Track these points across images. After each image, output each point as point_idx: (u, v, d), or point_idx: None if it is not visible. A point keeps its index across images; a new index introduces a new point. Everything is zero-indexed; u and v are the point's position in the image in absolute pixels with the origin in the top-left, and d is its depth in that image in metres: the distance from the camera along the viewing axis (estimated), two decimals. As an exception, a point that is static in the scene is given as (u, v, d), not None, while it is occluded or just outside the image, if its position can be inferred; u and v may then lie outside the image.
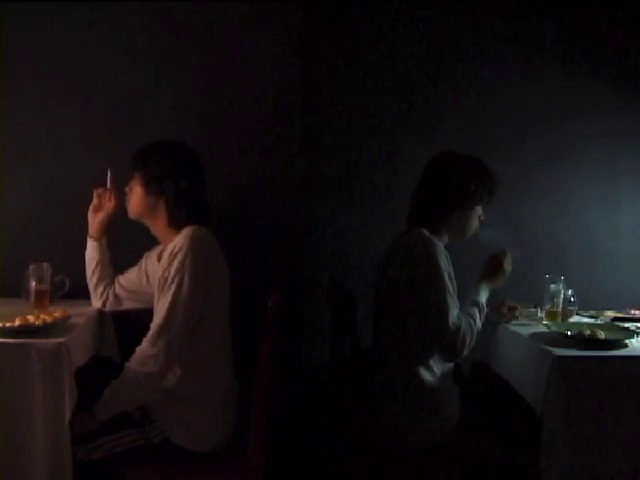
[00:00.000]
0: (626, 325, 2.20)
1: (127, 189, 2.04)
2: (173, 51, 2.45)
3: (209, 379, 1.93)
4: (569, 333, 2.01)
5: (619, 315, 2.44)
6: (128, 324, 2.24)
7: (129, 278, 2.16)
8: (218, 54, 2.47)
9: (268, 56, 2.48)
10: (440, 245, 1.99)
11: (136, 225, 2.05)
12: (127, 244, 2.19)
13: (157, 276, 1.92)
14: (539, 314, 2.32)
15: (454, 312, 1.90)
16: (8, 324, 1.78)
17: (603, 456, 1.82)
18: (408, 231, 2.08)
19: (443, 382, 2.00)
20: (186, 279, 1.82)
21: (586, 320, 2.34)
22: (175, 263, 1.83)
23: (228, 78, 2.47)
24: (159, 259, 2.01)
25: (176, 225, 1.96)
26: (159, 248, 2.08)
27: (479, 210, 2.09)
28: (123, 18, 2.43)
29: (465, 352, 1.91)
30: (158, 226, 2.01)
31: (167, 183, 1.95)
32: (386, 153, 2.84)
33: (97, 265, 2.16)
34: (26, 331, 1.77)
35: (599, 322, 2.32)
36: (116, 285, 2.17)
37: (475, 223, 2.10)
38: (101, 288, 2.17)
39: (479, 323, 1.97)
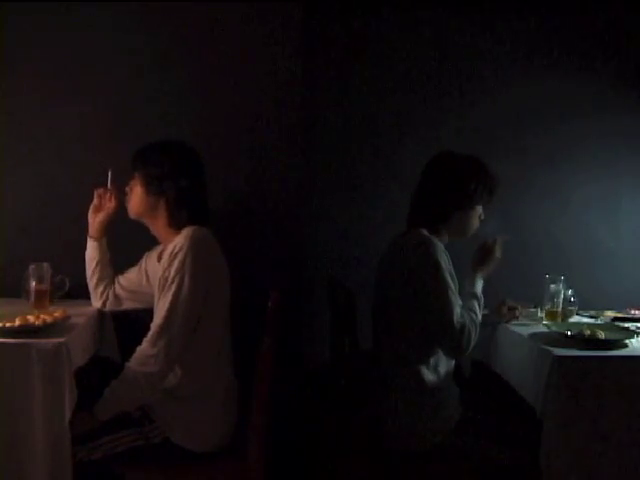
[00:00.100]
0: (626, 325, 2.20)
1: (127, 189, 2.03)
2: (173, 51, 2.45)
3: (209, 379, 1.92)
4: (569, 333, 2.01)
5: (619, 315, 2.44)
6: (128, 324, 2.24)
7: (129, 278, 2.16)
8: (218, 54, 2.47)
9: (268, 56, 2.48)
10: (440, 245, 1.99)
11: (136, 225, 2.05)
12: (127, 244, 2.19)
13: (157, 276, 1.92)
14: (539, 314, 2.32)
15: (457, 310, 1.91)
16: (8, 324, 1.78)
17: (603, 456, 1.81)
18: (408, 231, 2.08)
19: (444, 382, 2.00)
20: (186, 279, 1.82)
21: (586, 320, 2.34)
22: (175, 263, 1.83)
23: (228, 78, 2.47)
24: (159, 259, 2.01)
25: (176, 225, 1.96)
26: (159, 248, 2.07)
27: (479, 210, 2.09)
28: (123, 18, 2.43)
29: (470, 348, 1.92)
30: (158, 226, 2.01)
31: (167, 183, 1.95)
32: (386, 153, 2.84)
33: (97, 265, 2.16)
34: (26, 331, 1.77)
35: (599, 322, 2.32)
36: (116, 285, 2.17)
37: (475, 223, 2.10)
38: (101, 288, 2.17)
39: (480, 315, 1.98)
